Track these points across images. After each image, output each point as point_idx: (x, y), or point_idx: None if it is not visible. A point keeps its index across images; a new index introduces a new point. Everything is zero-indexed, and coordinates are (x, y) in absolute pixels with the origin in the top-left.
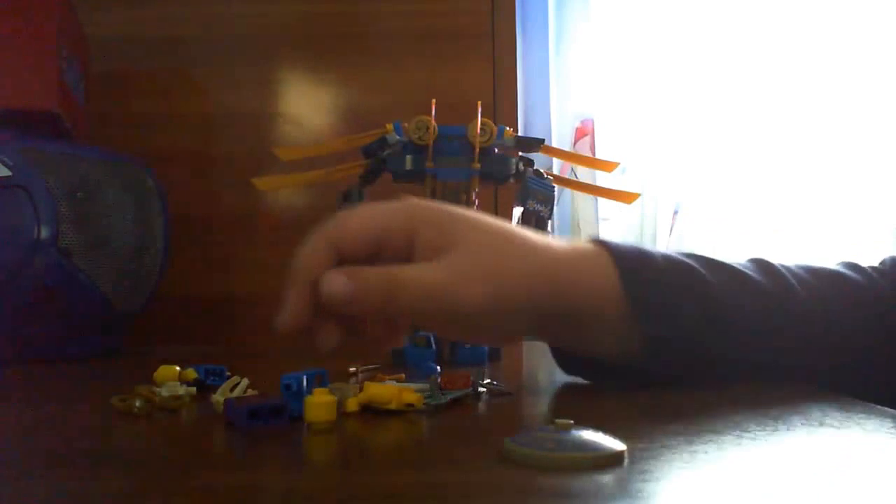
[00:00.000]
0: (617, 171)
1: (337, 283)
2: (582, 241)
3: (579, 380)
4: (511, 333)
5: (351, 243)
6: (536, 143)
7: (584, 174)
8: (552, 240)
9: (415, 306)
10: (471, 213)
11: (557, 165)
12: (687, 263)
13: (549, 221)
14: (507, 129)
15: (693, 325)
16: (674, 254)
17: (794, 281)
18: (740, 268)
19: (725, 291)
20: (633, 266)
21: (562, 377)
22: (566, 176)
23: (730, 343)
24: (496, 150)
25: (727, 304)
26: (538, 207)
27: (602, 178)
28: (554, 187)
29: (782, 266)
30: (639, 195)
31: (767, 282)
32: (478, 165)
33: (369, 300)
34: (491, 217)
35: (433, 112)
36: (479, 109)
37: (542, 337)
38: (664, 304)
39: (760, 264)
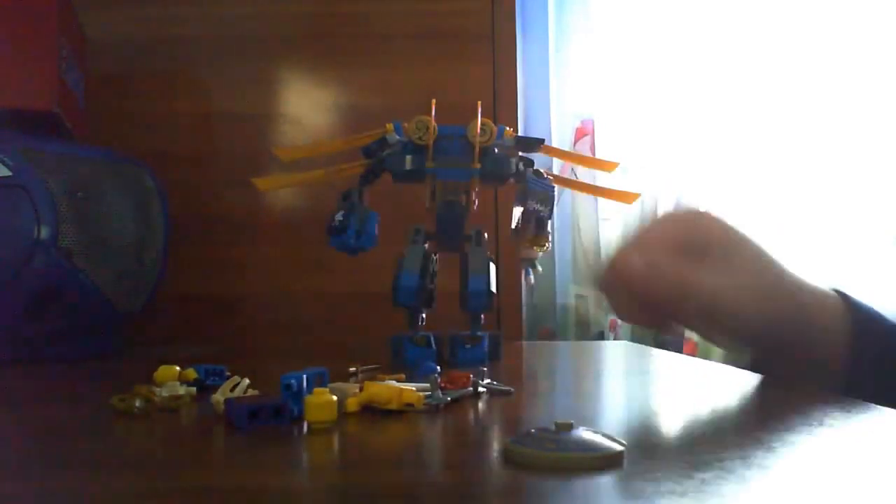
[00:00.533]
0: (617, 171)
1: (636, 262)
2: (826, 287)
3: (579, 380)
4: (750, 339)
5: (654, 252)
6: (536, 143)
7: (584, 174)
8: (802, 277)
9: (696, 301)
10: (752, 240)
11: (558, 166)
12: None
13: (550, 221)
14: (507, 129)
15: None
16: None
17: None
18: None
19: None
20: (866, 315)
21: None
22: (566, 176)
23: None
24: (496, 150)
25: None
26: (538, 207)
27: (602, 178)
28: (554, 187)
29: None
30: (639, 195)
31: None
32: (478, 165)
33: (661, 286)
34: (762, 245)
35: (433, 112)
36: (479, 109)
37: (765, 348)
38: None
39: None
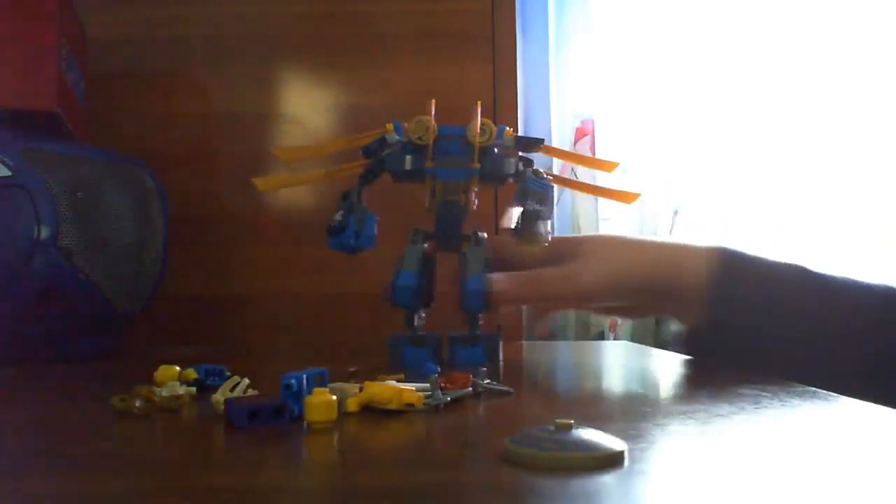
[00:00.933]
0: (617, 171)
1: (498, 279)
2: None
3: (579, 380)
4: (629, 308)
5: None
6: (536, 143)
7: (584, 174)
8: (686, 242)
9: (552, 290)
10: (597, 234)
11: (557, 165)
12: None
13: (549, 221)
14: (507, 129)
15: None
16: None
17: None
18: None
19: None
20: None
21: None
22: (566, 175)
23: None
24: (496, 150)
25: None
26: (537, 207)
27: (603, 179)
28: (552, 187)
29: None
30: (639, 195)
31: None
32: (477, 165)
33: (520, 290)
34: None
35: (433, 112)
36: (479, 110)
37: (653, 311)
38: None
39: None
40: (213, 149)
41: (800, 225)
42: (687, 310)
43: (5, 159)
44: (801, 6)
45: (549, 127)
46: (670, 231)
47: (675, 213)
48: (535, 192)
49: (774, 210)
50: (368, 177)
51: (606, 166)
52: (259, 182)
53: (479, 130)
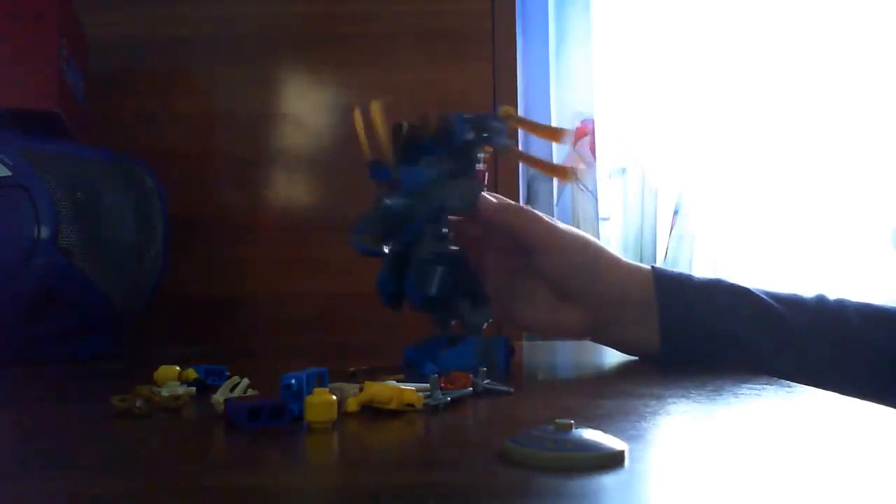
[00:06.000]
0: (617, 170)
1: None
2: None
3: (579, 380)
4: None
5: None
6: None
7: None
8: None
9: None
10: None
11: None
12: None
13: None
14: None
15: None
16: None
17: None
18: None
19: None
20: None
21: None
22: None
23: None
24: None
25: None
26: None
27: (601, 181)
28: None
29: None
30: (569, 130)
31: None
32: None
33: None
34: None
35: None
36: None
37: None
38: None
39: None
40: (213, 149)
41: (799, 223)
42: (631, 337)
43: (5, 159)
44: (801, 6)
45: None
46: (670, 231)
47: (676, 213)
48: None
49: (774, 209)
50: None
51: (557, 134)
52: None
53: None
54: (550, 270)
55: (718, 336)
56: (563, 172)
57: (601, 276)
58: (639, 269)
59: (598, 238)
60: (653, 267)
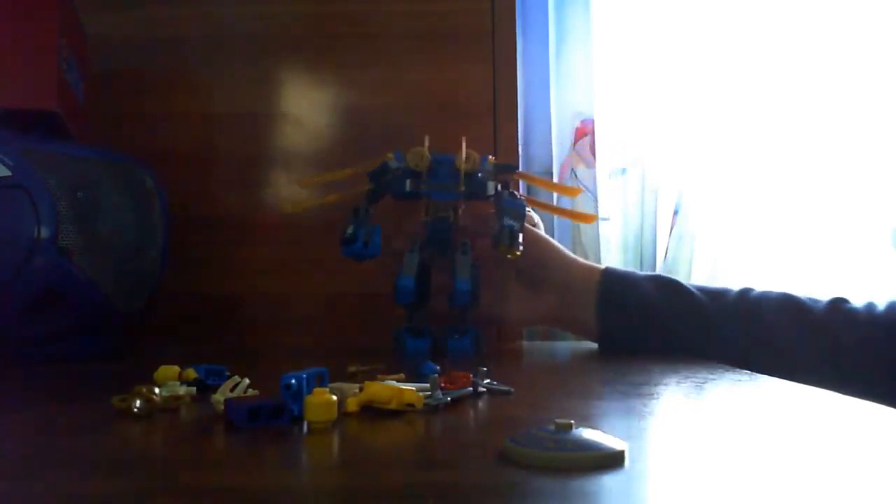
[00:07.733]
0: (617, 171)
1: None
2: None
3: (579, 380)
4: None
5: None
6: (510, 169)
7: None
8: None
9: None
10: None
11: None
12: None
13: (521, 234)
14: (490, 157)
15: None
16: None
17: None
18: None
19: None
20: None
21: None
22: (567, 178)
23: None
24: (479, 175)
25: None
26: (511, 223)
27: (603, 184)
28: (525, 205)
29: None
30: (596, 217)
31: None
32: (463, 188)
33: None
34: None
35: (426, 145)
36: (464, 142)
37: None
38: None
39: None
40: (213, 149)
41: (799, 223)
42: (582, 322)
43: (5, 159)
44: (801, 7)
45: (550, 127)
46: (670, 231)
47: (676, 213)
48: (510, 209)
49: (774, 209)
50: (374, 196)
51: (570, 192)
52: (293, 206)
53: (464, 159)
54: (526, 262)
55: (646, 319)
56: (586, 218)
57: (565, 267)
58: (592, 265)
59: (599, 238)
60: (606, 267)
